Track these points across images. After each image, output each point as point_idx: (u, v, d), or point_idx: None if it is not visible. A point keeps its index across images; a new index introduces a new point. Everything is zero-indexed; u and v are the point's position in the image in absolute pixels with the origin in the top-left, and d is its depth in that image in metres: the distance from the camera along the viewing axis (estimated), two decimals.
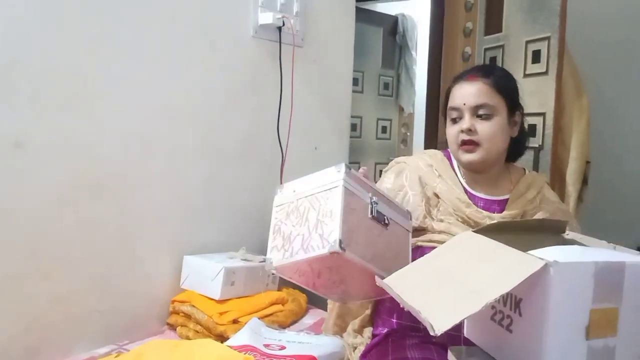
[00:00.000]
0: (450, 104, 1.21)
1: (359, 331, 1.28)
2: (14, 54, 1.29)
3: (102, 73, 1.45)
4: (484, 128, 1.16)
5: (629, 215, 2.36)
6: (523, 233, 0.91)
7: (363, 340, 1.26)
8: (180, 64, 1.65)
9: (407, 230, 1.12)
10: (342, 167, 0.99)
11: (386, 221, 1.05)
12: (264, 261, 1.67)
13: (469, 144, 1.16)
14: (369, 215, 1.01)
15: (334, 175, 0.99)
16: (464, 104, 1.17)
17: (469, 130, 1.15)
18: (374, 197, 1.04)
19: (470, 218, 1.17)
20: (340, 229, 0.91)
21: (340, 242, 0.90)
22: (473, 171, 1.23)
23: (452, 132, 1.20)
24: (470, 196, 1.22)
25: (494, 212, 1.19)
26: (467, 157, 1.18)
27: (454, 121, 1.20)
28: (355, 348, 1.26)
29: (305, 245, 0.95)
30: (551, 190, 1.31)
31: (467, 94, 1.18)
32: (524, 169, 1.32)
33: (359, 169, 1.10)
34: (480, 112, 1.16)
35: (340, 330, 1.35)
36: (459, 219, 1.18)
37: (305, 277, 1.03)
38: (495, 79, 1.20)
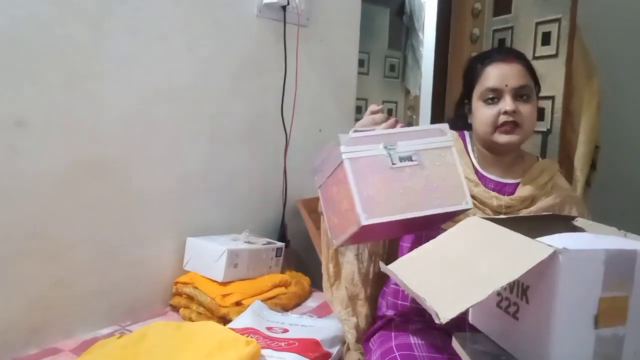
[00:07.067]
0: (488, 84, 1.18)
1: (358, 313, 1.28)
2: (14, 32, 1.27)
3: (104, 52, 1.43)
4: (526, 110, 1.15)
5: (638, 202, 2.33)
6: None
7: (358, 321, 1.25)
8: (184, 43, 1.62)
9: (447, 146, 1.04)
10: (339, 139, 0.96)
11: (413, 158, 0.99)
12: (267, 243, 1.70)
13: (510, 125, 1.15)
14: (391, 166, 0.97)
15: (335, 153, 0.97)
16: (506, 85, 1.15)
17: (513, 112, 1.14)
18: (388, 144, 0.99)
19: (476, 197, 1.16)
20: (359, 202, 0.90)
21: (361, 215, 0.90)
22: (499, 154, 1.21)
23: (490, 114, 1.17)
24: (481, 177, 1.21)
25: (503, 195, 1.18)
26: (506, 138, 1.16)
27: (490, 102, 1.17)
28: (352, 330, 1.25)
29: (341, 226, 0.96)
30: (563, 178, 1.29)
31: (508, 75, 1.16)
32: (538, 157, 1.31)
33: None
34: (522, 93, 1.16)
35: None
36: None
37: (370, 236, 1.11)
38: (527, 62, 1.20)
